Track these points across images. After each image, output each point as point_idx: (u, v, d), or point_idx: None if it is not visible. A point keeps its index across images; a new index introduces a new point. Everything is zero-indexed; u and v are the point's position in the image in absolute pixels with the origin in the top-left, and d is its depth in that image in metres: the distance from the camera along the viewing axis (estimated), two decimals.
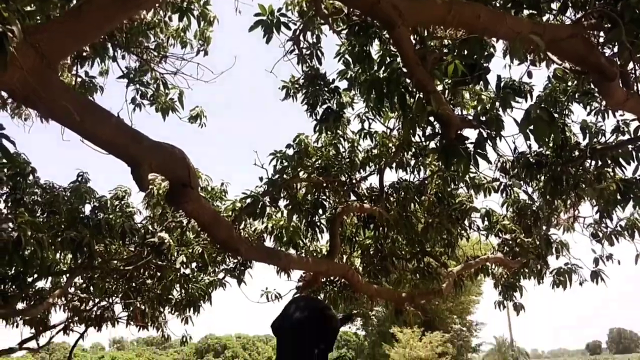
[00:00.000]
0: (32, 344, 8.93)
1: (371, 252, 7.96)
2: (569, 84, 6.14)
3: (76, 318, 9.46)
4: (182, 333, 9.50)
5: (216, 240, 5.11)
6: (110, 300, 8.65)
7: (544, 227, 7.54)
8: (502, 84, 4.25)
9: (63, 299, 8.98)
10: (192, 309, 8.31)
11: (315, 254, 7.67)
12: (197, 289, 7.68)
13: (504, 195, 7.52)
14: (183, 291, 8.17)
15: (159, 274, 7.35)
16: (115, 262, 7.06)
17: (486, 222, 7.53)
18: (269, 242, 7.02)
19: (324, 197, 6.92)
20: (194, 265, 7.85)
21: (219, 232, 4.76)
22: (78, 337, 9.05)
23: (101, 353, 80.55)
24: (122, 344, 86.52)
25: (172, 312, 9.00)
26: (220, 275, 8.02)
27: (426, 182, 7.41)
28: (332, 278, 7.70)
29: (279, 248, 6.61)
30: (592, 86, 5.59)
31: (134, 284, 7.98)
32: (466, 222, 7.50)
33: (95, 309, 8.93)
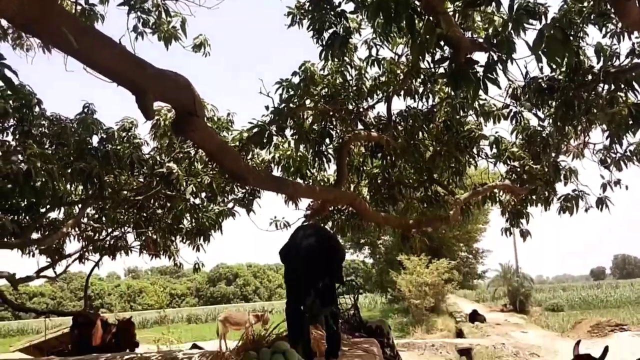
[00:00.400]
0: (49, 273, 9.22)
1: (379, 181, 7.99)
2: (585, 4, 5.89)
3: (91, 247, 9.72)
4: (195, 261, 9.74)
5: (224, 169, 5.14)
6: (123, 230, 8.83)
7: (553, 154, 7.49)
8: (515, 4, 4.09)
9: (77, 229, 9.19)
10: (202, 237, 8.48)
11: (322, 184, 7.70)
12: (207, 219, 7.79)
13: (513, 122, 7.43)
14: (193, 220, 8.31)
15: (168, 204, 7.45)
16: (125, 192, 7.15)
17: (495, 150, 7.48)
18: (276, 173, 7.05)
19: (331, 126, 6.87)
20: (203, 195, 7.93)
21: (226, 161, 4.77)
22: (93, 266, 9.32)
23: (117, 282, 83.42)
24: (136, 273, 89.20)
25: (184, 241, 9.20)
26: (230, 205, 8.12)
27: (435, 109, 7.31)
28: (339, 207, 7.78)
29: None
30: (609, 6, 5.36)
31: (145, 214, 8.12)
32: (474, 150, 7.47)
33: (108, 238, 9.15)
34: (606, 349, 4.44)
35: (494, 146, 7.40)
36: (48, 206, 6.89)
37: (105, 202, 7.12)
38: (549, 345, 16.44)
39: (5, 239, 5.87)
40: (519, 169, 7.49)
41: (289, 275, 5.07)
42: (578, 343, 4.86)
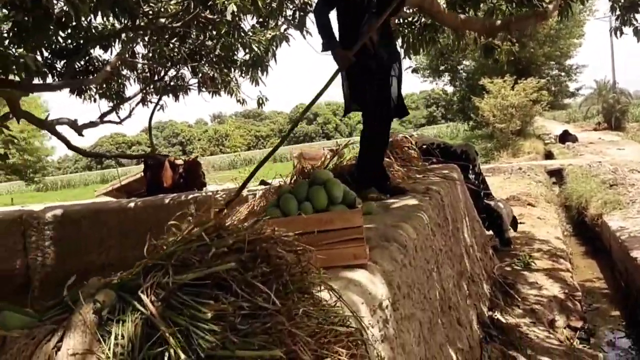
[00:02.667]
0: (113, 117, 8.98)
1: None
2: None
3: (151, 89, 9.32)
4: (257, 95, 9.08)
5: None
6: (178, 67, 8.21)
7: None
8: None
9: (133, 69, 8.73)
10: (259, 69, 7.69)
11: None
12: (258, 45, 6.89)
13: None
14: (247, 50, 7.47)
15: (214, 31, 6.57)
16: (163, 20, 6.31)
17: None
18: None
19: None
20: (250, 18, 6.98)
21: None
22: (154, 108, 8.95)
23: (204, 127, 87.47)
24: (222, 118, 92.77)
25: (243, 75, 8.50)
26: (282, 29, 7.10)
27: None
28: (407, 18, 6.52)
29: None
30: None
31: (191, 46, 7.36)
32: None
33: (167, 78, 8.63)
34: None
35: None
36: (82, 44, 6.31)
37: (140, 32, 6.35)
38: None
39: (39, 80, 5.37)
40: None
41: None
42: None
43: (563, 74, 35.18)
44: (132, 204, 6.94)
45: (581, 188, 11.04)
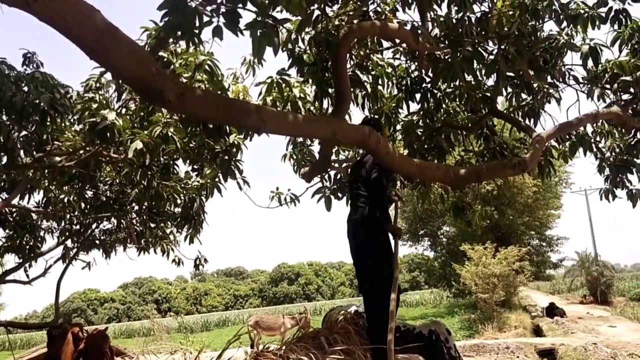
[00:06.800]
0: (21, 275, 7.49)
1: (419, 132, 5.65)
2: None
3: (76, 243, 7.97)
4: (196, 255, 7.74)
5: (121, 77, 3.02)
6: (92, 219, 6.92)
7: None
8: None
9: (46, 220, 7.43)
10: (190, 225, 6.43)
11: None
12: (185, 192, 5.70)
13: (615, 25, 4.95)
14: (178, 201, 6.28)
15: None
16: (59, 158, 5.12)
17: (590, 65, 4.91)
18: None
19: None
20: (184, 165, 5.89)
21: (119, 60, 2.66)
22: (65, 269, 7.50)
23: (184, 285, 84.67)
24: (203, 276, 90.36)
25: (179, 230, 7.25)
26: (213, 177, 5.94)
27: (489, 14, 4.82)
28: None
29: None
30: None
31: (111, 194, 6.17)
32: (557, 70, 4.94)
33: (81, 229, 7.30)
34: None
35: (590, 60, 4.83)
36: None
37: (21, 170, 5.13)
38: None
39: None
40: (632, 87, 4.93)
41: None
42: None
43: (544, 244, 34.70)
44: None
45: None
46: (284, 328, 12.61)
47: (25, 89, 4.51)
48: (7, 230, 7.24)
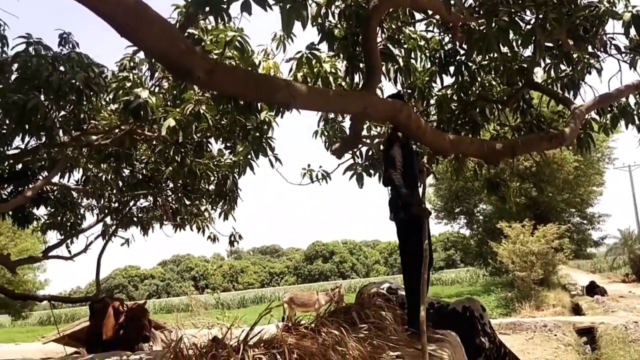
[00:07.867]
0: (63, 252, 7.76)
1: (453, 106, 5.53)
2: None
3: (115, 220, 8.18)
4: (231, 232, 7.84)
5: (151, 54, 3.04)
6: (131, 196, 7.08)
7: None
8: None
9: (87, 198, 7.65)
10: (225, 201, 6.50)
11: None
12: (218, 170, 5.76)
13: None
14: (212, 178, 6.35)
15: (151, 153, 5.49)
16: (95, 137, 5.24)
17: (633, 34, 4.68)
18: None
19: None
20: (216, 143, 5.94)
21: (149, 37, 2.67)
22: (103, 246, 7.72)
23: (220, 262, 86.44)
24: (239, 254, 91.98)
25: (214, 207, 7.36)
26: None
27: None
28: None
29: None
30: None
31: (146, 172, 6.29)
32: (598, 39, 4.74)
33: (120, 207, 7.48)
34: None
35: (631, 29, 4.60)
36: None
37: (60, 148, 5.28)
38: None
39: None
40: None
41: None
42: None
43: (585, 221, 33.80)
44: None
45: (619, 357, 9.13)
46: (318, 304, 12.76)
47: (62, 69, 4.62)
48: (49, 208, 7.48)
